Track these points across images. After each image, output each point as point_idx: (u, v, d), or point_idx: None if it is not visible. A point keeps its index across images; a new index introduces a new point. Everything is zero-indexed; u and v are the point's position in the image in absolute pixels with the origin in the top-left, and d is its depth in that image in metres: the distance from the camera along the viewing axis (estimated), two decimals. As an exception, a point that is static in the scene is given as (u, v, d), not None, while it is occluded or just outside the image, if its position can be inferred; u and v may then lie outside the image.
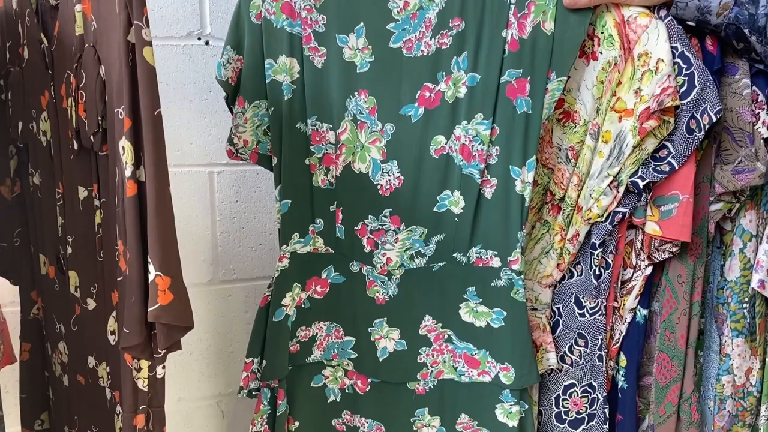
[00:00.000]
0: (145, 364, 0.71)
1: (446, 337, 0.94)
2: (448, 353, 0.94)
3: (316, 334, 0.94)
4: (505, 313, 0.91)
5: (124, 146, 0.63)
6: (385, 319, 0.94)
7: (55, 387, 0.95)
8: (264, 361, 0.90)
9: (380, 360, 0.94)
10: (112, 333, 0.76)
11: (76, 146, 0.72)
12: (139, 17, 0.60)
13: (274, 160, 0.89)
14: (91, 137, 0.68)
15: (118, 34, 0.61)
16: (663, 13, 0.84)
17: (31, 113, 0.83)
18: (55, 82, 0.76)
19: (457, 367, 0.94)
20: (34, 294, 0.97)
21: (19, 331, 1.02)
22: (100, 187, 0.72)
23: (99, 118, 0.67)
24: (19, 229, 0.95)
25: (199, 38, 1.16)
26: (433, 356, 0.94)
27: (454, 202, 0.91)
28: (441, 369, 0.95)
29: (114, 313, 0.75)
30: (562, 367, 0.93)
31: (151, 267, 0.64)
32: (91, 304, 0.79)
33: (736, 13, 0.80)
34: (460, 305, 0.93)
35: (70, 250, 0.80)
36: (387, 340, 0.94)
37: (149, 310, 0.65)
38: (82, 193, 0.76)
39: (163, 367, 0.73)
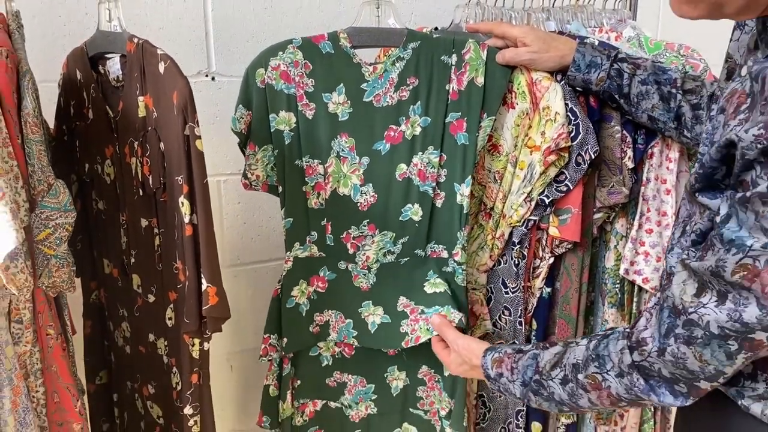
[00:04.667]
0: (197, 341, 1.01)
1: (420, 310, 1.14)
2: (423, 321, 1.13)
3: (328, 320, 1.18)
4: (450, 294, 1.15)
5: (183, 202, 0.92)
6: (371, 301, 1.17)
7: (117, 354, 1.24)
8: (285, 338, 1.14)
9: (372, 332, 1.16)
10: (170, 319, 1.06)
11: (141, 193, 1.01)
12: (192, 119, 0.88)
13: (280, 189, 1.12)
14: (155, 190, 0.97)
15: (177, 127, 0.89)
16: (559, 77, 1.10)
17: (95, 158, 1.10)
18: (120, 143, 1.03)
19: (429, 328, 1.12)
20: (93, 284, 1.25)
21: (82, 310, 1.29)
22: (158, 220, 1.01)
23: (160, 178, 0.95)
24: (80, 236, 1.23)
25: (207, 75, 1.38)
26: (411, 325, 1.16)
27: (414, 212, 1.15)
28: (419, 335, 1.13)
29: (171, 306, 1.05)
30: (495, 330, 1.20)
31: (203, 280, 0.95)
32: (151, 298, 1.09)
33: (608, 84, 1.08)
34: (424, 283, 1.16)
35: (133, 260, 1.09)
36: (374, 315, 1.17)
37: (203, 308, 0.95)
38: (144, 222, 1.04)
39: (209, 342, 1.04)
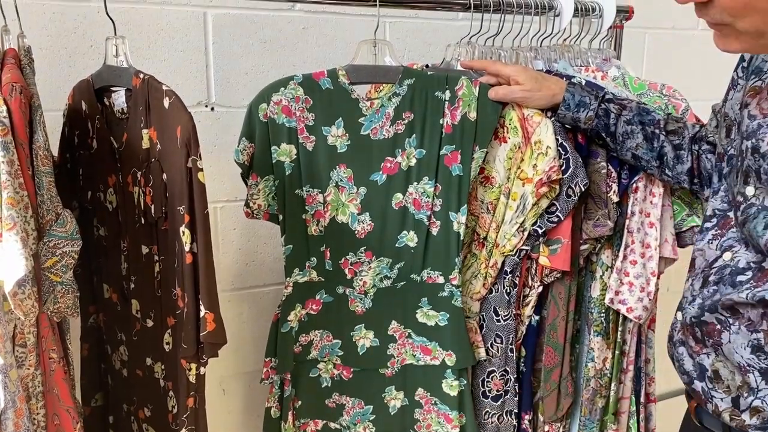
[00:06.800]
0: (194, 365, 1.02)
1: (407, 334, 1.22)
2: (409, 346, 1.23)
3: (312, 339, 1.22)
4: (448, 315, 1.20)
5: (184, 231, 0.95)
6: (363, 324, 1.22)
7: (114, 376, 1.25)
8: (276, 360, 1.18)
9: (360, 354, 1.23)
10: (167, 344, 1.08)
11: (142, 221, 1.04)
12: (195, 153, 0.91)
13: (280, 217, 1.15)
14: (156, 218, 1.01)
15: (180, 160, 0.92)
16: (549, 114, 1.16)
17: (98, 186, 1.13)
18: (123, 172, 1.07)
19: (415, 355, 1.23)
20: (92, 308, 1.27)
21: (80, 333, 1.30)
22: (159, 248, 1.04)
23: (162, 207, 0.99)
24: (79, 261, 1.25)
25: (206, 105, 1.42)
26: (398, 349, 1.23)
27: (410, 239, 1.20)
28: (404, 357, 1.23)
29: (169, 331, 1.07)
30: (487, 358, 1.23)
31: (201, 307, 0.97)
32: (150, 323, 1.11)
33: (596, 123, 1.13)
34: (417, 311, 1.22)
35: (133, 286, 1.12)
36: (365, 339, 1.22)
37: (201, 334, 0.98)
38: (144, 249, 1.07)
39: (205, 367, 1.06)
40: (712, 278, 0.80)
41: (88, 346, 1.30)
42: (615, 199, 1.18)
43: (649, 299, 1.21)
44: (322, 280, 1.20)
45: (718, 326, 0.80)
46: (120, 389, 1.25)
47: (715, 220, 0.88)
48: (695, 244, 0.90)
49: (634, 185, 1.20)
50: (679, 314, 0.89)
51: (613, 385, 1.26)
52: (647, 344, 1.32)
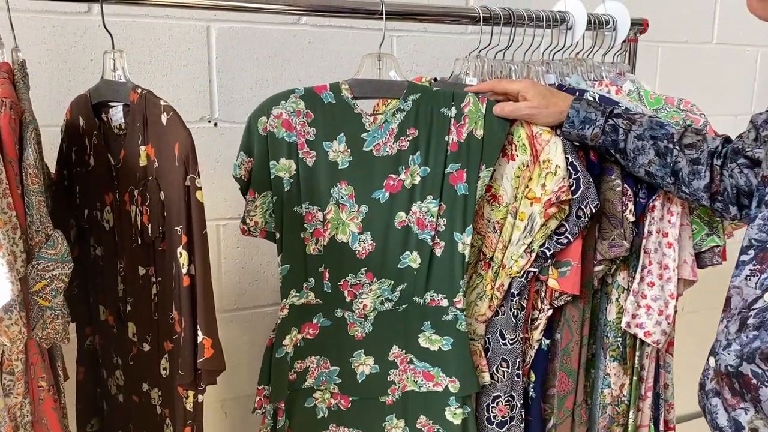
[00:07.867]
0: (191, 393, 0.98)
1: (409, 359, 1.18)
2: (410, 372, 1.19)
3: (308, 366, 1.17)
4: (452, 340, 1.16)
5: (182, 252, 0.91)
6: (363, 350, 1.17)
7: (110, 402, 1.21)
8: (270, 388, 1.13)
9: (359, 382, 1.18)
10: (164, 369, 1.04)
11: (139, 241, 1.00)
12: (193, 171, 0.88)
13: (277, 235, 1.11)
14: (153, 239, 0.97)
15: (178, 178, 0.89)
16: (559, 131, 1.13)
17: (95, 205, 1.10)
18: (120, 190, 1.03)
19: (417, 381, 1.19)
20: (88, 330, 1.24)
21: (76, 356, 1.28)
22: (156, 269, 1.00)
23: (159, 227, 0.95)
24: (77, 281, 1.22)
25: (209, 121, 1.40)
26: (399, 375, 1.19)
27: (413, 259, 1.16)
28: (405, 384, 1.19)
29: (166, 356, 1.03)
30: (492, 383, 1.19)
31: (199, 332, 0.93)
32: (146, 347, 1.07)
33: (603, 140, 1.09)
34: (419, 335, 1.18)
35: (129, 308, 1.08)
36: (364, 366, 1.18)
37: (198, 360, 0.93)
38: (141, 270, 1.03)
39: (203, 395, 1.02)
40: (751, 322, 0.72)
41: (84, 369, 1.26)
42: (631, 218, 1.13)
43: (668, 323, 1.16)
44: (320, 302, 1.16)
45: (754, 380, 0.72)
46: (116, 415, 1.21)
47: (752, 252, 0.79)
48: (731, 280, 0.81)
49: (651, 204, 1.16)
50: (712, 360, 0.80)
51: (631, 412, 1.21)
52: (666, 369, 1.27)
